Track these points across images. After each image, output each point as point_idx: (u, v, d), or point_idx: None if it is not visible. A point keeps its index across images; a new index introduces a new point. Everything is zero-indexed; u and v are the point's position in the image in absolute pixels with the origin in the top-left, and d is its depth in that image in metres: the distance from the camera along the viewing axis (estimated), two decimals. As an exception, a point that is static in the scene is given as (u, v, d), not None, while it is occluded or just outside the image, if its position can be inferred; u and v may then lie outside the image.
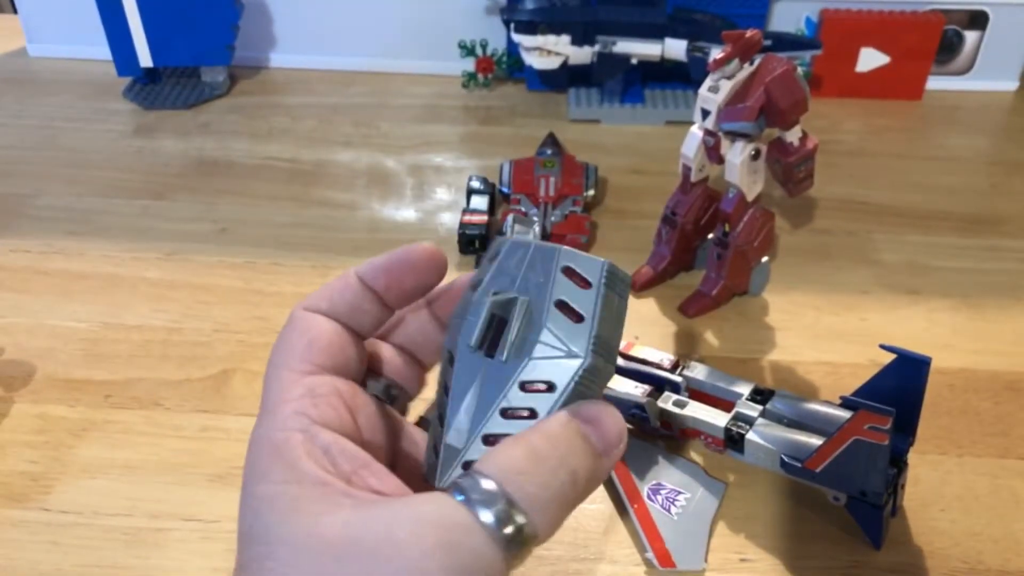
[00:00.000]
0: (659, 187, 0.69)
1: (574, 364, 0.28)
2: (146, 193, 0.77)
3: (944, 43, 0.89)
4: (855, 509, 0.47)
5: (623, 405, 0.51)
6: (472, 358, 0.28)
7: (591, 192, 0.73)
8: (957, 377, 0.59)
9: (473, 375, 0.28)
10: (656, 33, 0.83)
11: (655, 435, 0.54)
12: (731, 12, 0.85)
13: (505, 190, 0.73)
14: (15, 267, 0.69)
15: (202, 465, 0.53)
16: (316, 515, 0.25)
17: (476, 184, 0.73)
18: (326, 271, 0.68)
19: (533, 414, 0.28)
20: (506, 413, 0.28)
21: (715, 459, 0.53)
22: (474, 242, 0.68)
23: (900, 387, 0.46)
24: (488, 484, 0.25)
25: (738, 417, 0.50)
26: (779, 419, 0.49)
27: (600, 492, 0.51)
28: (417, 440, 0.33)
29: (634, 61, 0.85)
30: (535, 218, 0.70)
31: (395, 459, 0.32)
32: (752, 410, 0.50)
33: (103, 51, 0.89)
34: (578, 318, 0.28)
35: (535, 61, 0.85)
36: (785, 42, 0.83)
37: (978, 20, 0.89)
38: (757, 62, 0.57)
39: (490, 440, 0.28)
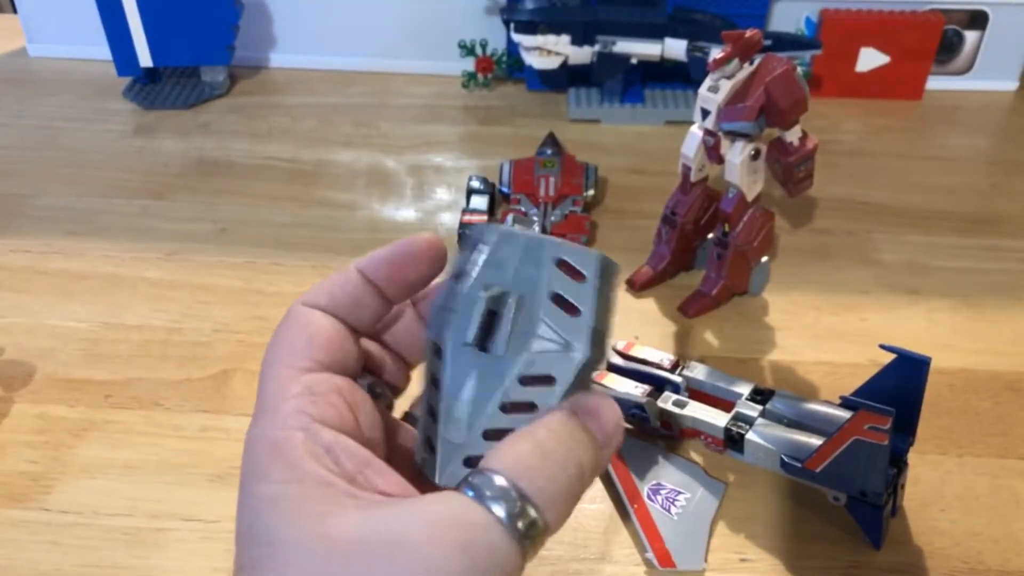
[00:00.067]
0: (659, 187, 0.69)
1: (574, 358, 0.27)
2: (146, 193, 0.77)
3: (944, 43, 0.89)
4: (855, 509, 0.47)
5: (623, 405, 0.51)
6: (465, 352, 0.28)
7: (591, 192, 0.73)
8: (957, 377, 0.59)
9: (467, 369, 0.28)
10: (656, 33, 0.83)
11: (655, 435, 0.54)
12: (731, 12, 0.85)
13: (505, 190, 0.73)
14: (15, 267, 0.69)
15: (202, 465, 0.53)
16: (320, 516, 0.25)
17: (476, 184, 0.73)
18: (326, 271, 0.68)
19: (533, 408, 0.27)
20: (506, 407, 0.28)
21: (715, 459, 0.53)
22: None
23: (900, 387, 0.46)
24: (500, 480, 0.25)
25: (738, 417, 0.50)
26: (779, 419, 0.49)
27: (600, 492, 0.51)
28: (410, 436, 0.32)
29: (634, 61, 0.85)
30: (535, 218, 0.70)
31: (391, 456, 0.32)
32: (752, 410, 0.50)
33: (103, 51, 0.89)
34: (574, 311, 0.28)
35: (535, 61, 0.85)
36: (785, 42, 0.83)
37: (978, 20, 0.89)
38: (757, 62, 0.57)
39: (490, 435, 0.28)
